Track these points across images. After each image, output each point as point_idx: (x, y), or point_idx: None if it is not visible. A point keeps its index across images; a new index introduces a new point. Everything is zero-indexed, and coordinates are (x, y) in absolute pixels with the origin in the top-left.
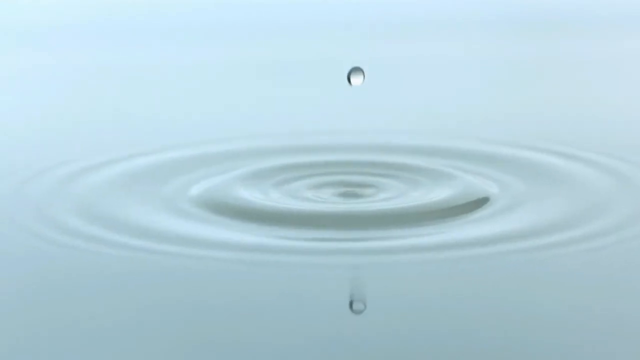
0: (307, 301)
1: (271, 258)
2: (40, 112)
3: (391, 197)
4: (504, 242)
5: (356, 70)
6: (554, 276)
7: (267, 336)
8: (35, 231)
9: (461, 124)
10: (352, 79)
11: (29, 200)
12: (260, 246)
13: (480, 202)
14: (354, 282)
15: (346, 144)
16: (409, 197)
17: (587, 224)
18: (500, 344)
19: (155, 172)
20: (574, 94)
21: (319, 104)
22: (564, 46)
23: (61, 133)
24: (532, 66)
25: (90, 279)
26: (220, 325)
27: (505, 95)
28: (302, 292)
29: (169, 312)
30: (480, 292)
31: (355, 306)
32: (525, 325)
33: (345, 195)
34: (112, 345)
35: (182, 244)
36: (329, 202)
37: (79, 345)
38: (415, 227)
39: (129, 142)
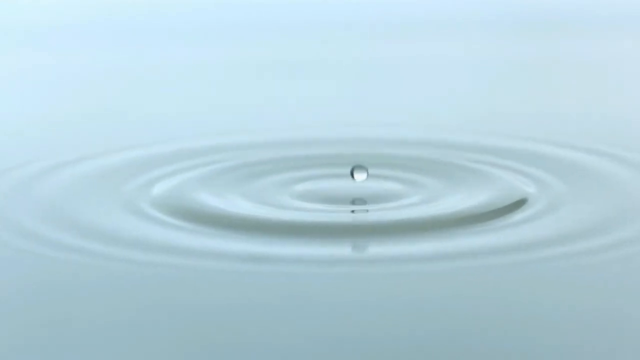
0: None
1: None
2: (40, 111)
3: (423, 199)
4: (545, 247)
5: (359, 167)
6: (597, 282)
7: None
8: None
9: (461, 122)
10: (355, 175)
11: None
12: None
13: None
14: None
15: (359, 144)
16: (445, 197)
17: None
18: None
19: (139, 168)
20: (573, 93)
21: (319, 103)
22: (564, 46)
23: (62, 132)
24: (532, 66)
25: (89, 284)
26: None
27: (505, 94)
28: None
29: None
30: (524, 299)
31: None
32: (570, 330)
33: (382, 195)
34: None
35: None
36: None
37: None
38: (450, 232)
39: (123, 140)
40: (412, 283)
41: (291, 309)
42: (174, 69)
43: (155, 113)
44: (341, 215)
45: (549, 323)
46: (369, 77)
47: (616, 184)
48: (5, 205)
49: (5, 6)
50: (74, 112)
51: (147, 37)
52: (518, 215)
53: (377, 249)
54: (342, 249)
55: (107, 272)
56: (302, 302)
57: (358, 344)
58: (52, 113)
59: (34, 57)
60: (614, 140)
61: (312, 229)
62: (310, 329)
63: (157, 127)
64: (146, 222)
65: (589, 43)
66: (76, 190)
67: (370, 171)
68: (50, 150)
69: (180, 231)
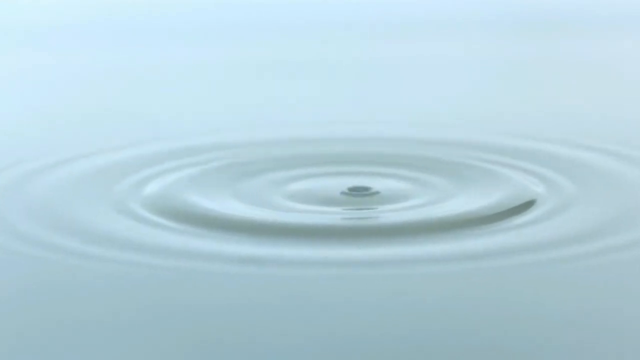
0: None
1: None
2: (39, 111)
3: (429, 200)
4: (555, 249)
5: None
6: (607, 283)
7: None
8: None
9: (461, 122)
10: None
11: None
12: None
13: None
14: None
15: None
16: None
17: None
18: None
19: (139, 167)
20: (573, 93)
21: (319, 103)
22: (564, 46)
23: (61, 131)
24: (532, 66)
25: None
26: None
27: (505, 94)
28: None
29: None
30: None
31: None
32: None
33: (399, 194)
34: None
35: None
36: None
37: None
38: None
39: (122, 140)
40: (418, 284)
41: (304, 311)
42: (174, 69)
43: (154, 113)
44: (345, 216)
45: (561, 324)
46: (369, 77)
47: (618, 182)
48: (5, 204)
49: (5, 6)
50: (73, 112)
51: (147, 37)
52: (525, 217)
53: (381, 250)
54: (348, 252)
55: (98, 273)
56: (314, 304)
57: (363, 345)
58: (51, 113)
59: (34, 57)
60: (615, 139)
61: (318, 231)
62: (319, 332)
63: (157, 126)
64: (138, 222)
65: (589, 43)
66: (70, 189)
67: (371, 170)
68: (49, 149)
69: (174, 232)
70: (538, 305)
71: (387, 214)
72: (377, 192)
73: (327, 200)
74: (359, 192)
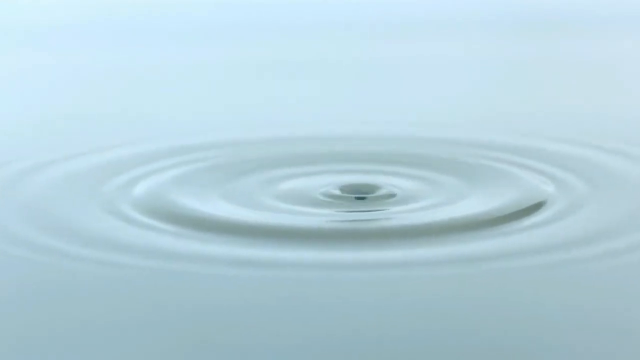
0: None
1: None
2: (39, 111)
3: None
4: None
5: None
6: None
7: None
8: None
9: (461, 121)
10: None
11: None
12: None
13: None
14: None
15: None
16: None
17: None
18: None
19: (139, 166)
20: (573, 93)
21: (320, 103)
22: (564, 46)
23: (61, 131)
24: (532, 66)
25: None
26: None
27: (506, 93)
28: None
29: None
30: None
31: None
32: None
33: (401, 194)
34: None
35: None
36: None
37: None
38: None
39: (121, 139)
40: (423, 286)
41: (302, 313)
42: (174, 69)
43: (154, 113)
44: (350, 217)
45: (569, 326)
46: (369, 77)
47: (624, 181)
48: (3, 204)
49: (5, 6)
50: (73, 111)
51: (147, 37)
52: (537, 217)
53: (383, 252)
54: (354, 253)
55: (90, 275)
56: (315, 306)
57: (371, 346)
58: (51, 113)
59: (34, 57)
60: (616, 138)
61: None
62: (318, 333)
63: (156, 126)
64: (128, 223)
65: (589, 43)
66: (64, 188)
67: (371, 168)
68: (48, 149)
69: (166, 233)
70: (545, 306)
71: (391, 215)
72: (379, 193)
73: (329, 201)
74: (362, 193)
